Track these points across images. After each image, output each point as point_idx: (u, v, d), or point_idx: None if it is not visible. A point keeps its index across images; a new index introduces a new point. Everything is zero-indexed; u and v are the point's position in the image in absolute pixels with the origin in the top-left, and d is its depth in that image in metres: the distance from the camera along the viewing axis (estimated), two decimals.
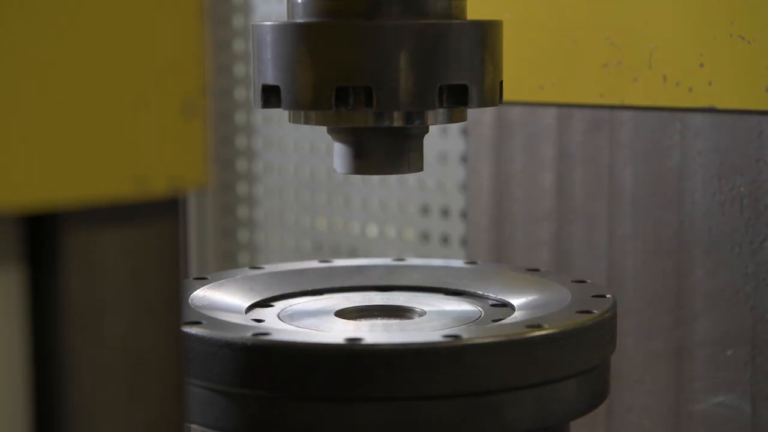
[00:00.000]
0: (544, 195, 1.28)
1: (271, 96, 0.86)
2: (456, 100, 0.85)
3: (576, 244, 1.26)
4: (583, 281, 0.95)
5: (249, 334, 0.80)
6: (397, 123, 0.86)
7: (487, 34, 0.87)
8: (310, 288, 0.99)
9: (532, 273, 0.99)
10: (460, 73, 0.85)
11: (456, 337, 0.80)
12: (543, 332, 0.81)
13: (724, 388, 1.15)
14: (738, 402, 1.14)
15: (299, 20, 0.86)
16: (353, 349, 0.78)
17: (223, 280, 0.97)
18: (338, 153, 0.89)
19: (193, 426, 0.83)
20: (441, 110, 0.86)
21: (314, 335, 0.86)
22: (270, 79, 0.86)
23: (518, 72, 1.24)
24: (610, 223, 1.23)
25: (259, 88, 0.87)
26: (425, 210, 1.67)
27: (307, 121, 0.88)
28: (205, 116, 0.55)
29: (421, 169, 0.90)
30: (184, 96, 0.54)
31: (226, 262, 1.94)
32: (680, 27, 1.16)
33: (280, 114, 1.91)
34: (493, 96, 0.87)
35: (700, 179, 1.17)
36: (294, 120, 0.88)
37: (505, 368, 0.80)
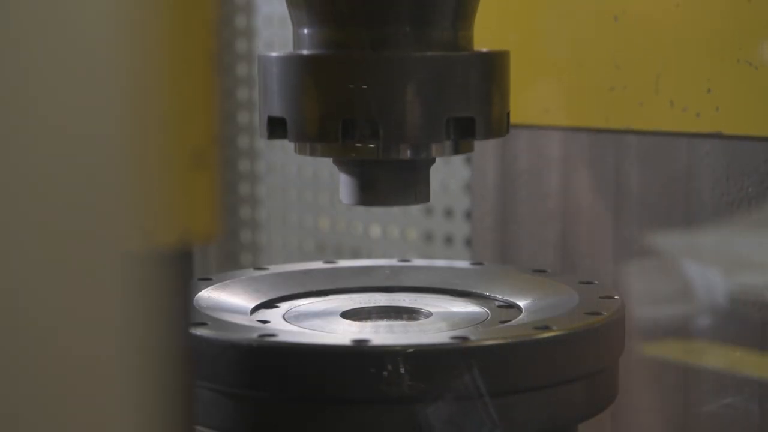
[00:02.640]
0: (549, 195, 1.28)
1: (277, 127, 0.86)
2: (463, 133, 0.85)
3: (582, 245, 1.25)
4: (590, 282, 0.94)
5: (255, 335, 0.79)
6: (404, 155, 0.85)
7: (494, 65, 0.86)
8: (315, 289, 0.99)
9: (538, 274, 0.98)
10: (467, 105, 0.84)
11: (463, 338, 0.79)
12: (551, 334, 0.80)
13: (732, 390, 1.14)
14: (746, 403, 1.14)
15: (305, 51, 0.86)
16: (360, 351, 0.78)
17: (227, 281, 0.96)
18: (344, 184, 0.89)
19: (199, 427, 0.83)
20: (448, 142, 0.85)
21: (320, 336, 0.85)
22: (276, 111, 0.85)
23: (523, 95, 1.23)
24: (617, 223, 1.23)
25: (265, 120, 0.86)
26: (428, 210, 1.66)
27: (312, 153, 0.88)
28: (214, 167, 0.54)
29: (427, 199, 0.90)
30: (194, 147, 0.53)
31: (228, 263, 1.94)
32: (687, 52, 1.15)
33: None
34: (500, 127, 0.87)
35: (708, 180, 1.16)
36: (300, 151, 0.88)
37: (513, 370, 0.79)
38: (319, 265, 1.03)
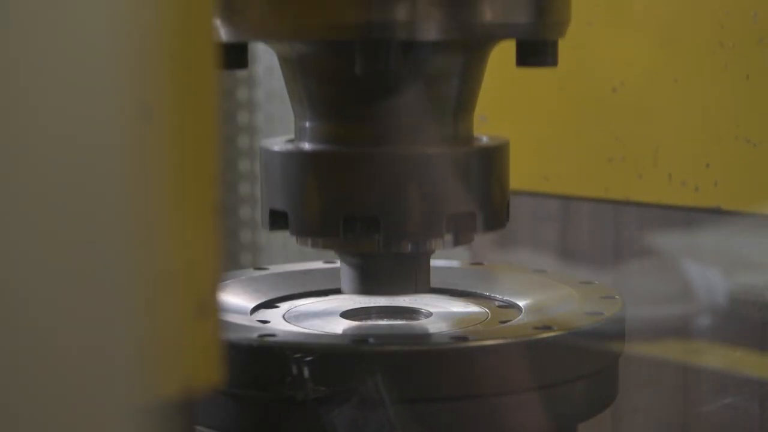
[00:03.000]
0: (549, 195, 1.28)
1: (278, 220, 0.86)
2: (463, 227, 0.85)
3: (582, 245, 1.25)
4: (590, 282, 0.94)
5: (255, 335, 0.79)
6: (404, 249, 0.85)
7: (494, 159, 0.86)
8: (315, 289, 0.99)
9: (538, 274, 0.98)
10: (468, 201, 0.84)
11: (463, 338, 0.79)
12: (551, 334, 0.80)
13: (732, 390, 1.14)
14: (746, 403, 1.14)
15: (306, 146, 0.86)
16: (360, 351, 0.78)
17: (227, 281, 0.96)
18: (345, 274, 0.89)
19: (199, 427, 0.83)
20: (448, 236, 0.85)
21: (320, 337, 0.85)
22: (278, 205, 0.86)
23: (523, 162, 1.23)
24: (617, 223, 1.23)
25: (267, 212, 0.87)
26: None
27: (314, 246, 0.88)
28: (217, 316, 0.54)
29: (428, 287, 0.90)
30: (198, 298, 0.53)
31: (228, 263, 1.94)
32: (685, 126, 1.16)
33: (282, 113, 1.90)
34: (500, 220, 0.87)
35: None
36: (301, 243, 0.89)
37: (513, 370, 0.79)
38: (319, 265, 1.03)
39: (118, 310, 0.51)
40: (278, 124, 1.86)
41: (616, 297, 0.89)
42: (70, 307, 0.50)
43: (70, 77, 0.49)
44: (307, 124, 0.86)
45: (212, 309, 0.54)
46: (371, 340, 0.78)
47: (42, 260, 0.49)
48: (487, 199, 0.85)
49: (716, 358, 1.16)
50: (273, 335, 0.79)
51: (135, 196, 0.51)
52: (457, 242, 0.86)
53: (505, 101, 1.26)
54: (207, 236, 0.54)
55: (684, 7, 1.16)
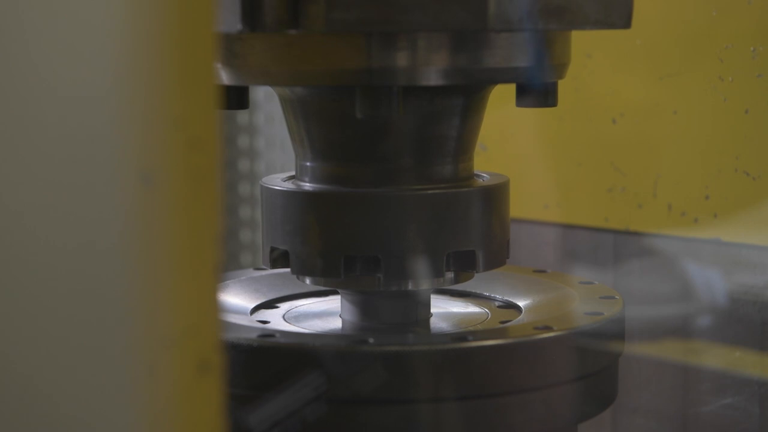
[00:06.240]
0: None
1: (279, 257, 0.86)
2: (464, 265, 0.85)
3: (582, 245, 1.25)
4: (590, 282, 0.94)
5: (255, 335, 0.79)
6: (404, 287, 0.85)
7: (494, 198, 0.86)
8: (315, 289, 0.99)
9: (538, 274, 0.98)
10: (468, 239, 0.84)
11: (463, 339, 0.79)
12: (551, 334, 0.80)
13: (732, 390, 1.14)
14: (746, 403, 1.14)
15: (307, 185, 0.86)
16: (359, 351, 0.78)
17: (227, 282, 0.96)
18: (346, 307, 0.90)
19: None
20: (449, 274, 0.86)
21: (320, 337, 0.85)
22: (279, 243, 0.86)
23: (524, 190, 1.24)
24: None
25: (268, 249, 0.87)
26: None
27: (315, 283, 0.89)
28: (218, 372, 0.54)
29: (428, 320, 0.90)
30: (200, 356, 0.54)
31: (228, 263, 1.94)
32: (685, 158, 1.16)
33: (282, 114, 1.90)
34: (500, 258, 0.87)
35: None
36: (302, 279, 0.89)
37: (513, 371, 0.79)
38: None
39: (120, 373, 0.52)
40: (277, 123, 1.86)
41: (616, 297, 0.89)
42: (72, 371, 0.51)
43: (72, 144, 0.50)
44: (308, 164, 0.86)
45: (214, 366, 0.54)
46: (371, 340, 0.78)
47: (45, 324, 0.50)
48: (487, 237, 0.85)
49: (716, 358, 1.16)
50: (273, 335, 0.80)
51: (137, 259, 0.51)
52: (457, 280, 0.87)
53: (506, 131, 1.26)
54: (209, 296, 0.54)
55: (684, 41, 1.16)
